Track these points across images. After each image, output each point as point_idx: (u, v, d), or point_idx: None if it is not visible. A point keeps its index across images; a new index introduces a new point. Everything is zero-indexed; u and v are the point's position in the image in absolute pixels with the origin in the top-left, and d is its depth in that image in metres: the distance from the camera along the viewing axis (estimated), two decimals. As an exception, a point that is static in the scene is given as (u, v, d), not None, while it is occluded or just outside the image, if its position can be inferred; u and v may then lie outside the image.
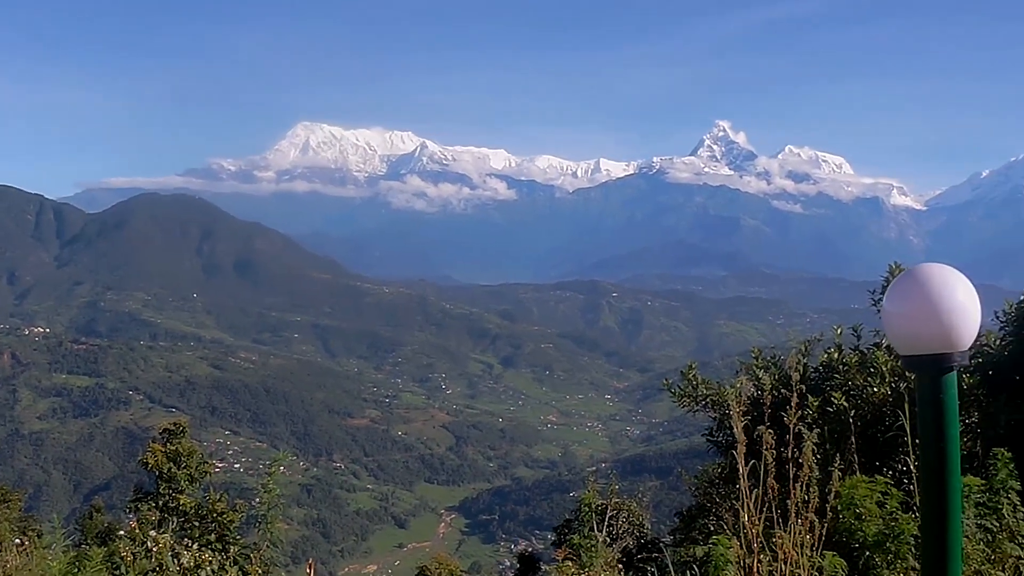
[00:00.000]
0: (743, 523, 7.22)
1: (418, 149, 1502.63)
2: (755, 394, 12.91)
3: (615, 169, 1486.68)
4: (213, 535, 21.42)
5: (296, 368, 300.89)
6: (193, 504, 22.84)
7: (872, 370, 14.28)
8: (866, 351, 14.95)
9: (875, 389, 14.06)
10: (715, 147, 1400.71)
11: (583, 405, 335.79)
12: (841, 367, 14.79)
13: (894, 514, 8.59)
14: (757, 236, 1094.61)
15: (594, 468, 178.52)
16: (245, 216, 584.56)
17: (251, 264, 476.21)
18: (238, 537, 21.49)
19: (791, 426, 7.14)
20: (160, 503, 22.85)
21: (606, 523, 19.13)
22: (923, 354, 4.81)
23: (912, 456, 7.97)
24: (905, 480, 10.72)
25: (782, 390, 12.72)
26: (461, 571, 35.65)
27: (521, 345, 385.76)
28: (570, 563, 11.05)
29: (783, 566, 7.08)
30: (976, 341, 13.73)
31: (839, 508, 8.86)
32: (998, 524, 9.00)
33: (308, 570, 13.70)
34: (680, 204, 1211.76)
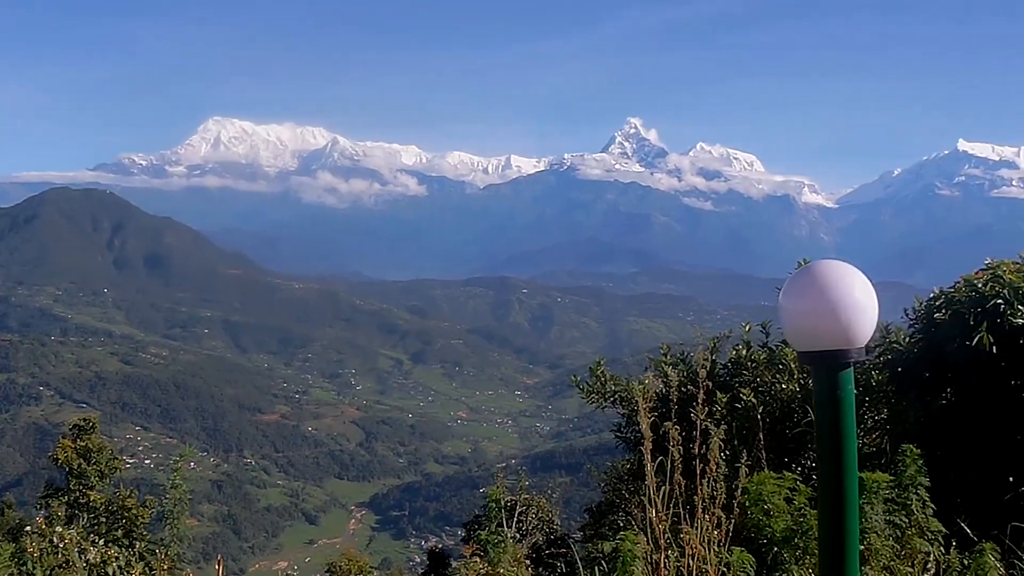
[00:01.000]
0: (650, 519, 7.20)
1: (329, 145, 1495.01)
2: (663, 391, 12.91)
3: (526, 166, 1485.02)
4: (120, 531, 21.29)
5: (206, 364, 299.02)
6: (103, 500, 22.69)
7: (780, 367, 14.36)
8: (775, 348, 15.02)
9: (783, 386, 14.14)
10: (626, 144, 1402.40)
11: (493, 401, 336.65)
12: (750, 364, 14.85)
13: (802, 510, 8.59)
14: (668, 233, 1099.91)
15: (504, 464, 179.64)
16: (156, 211, 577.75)
17: (162, 259, 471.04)
18: (145, 533, 21.36)
19: (698, 422, 7.13)
20: (71, 499, 22.68)
21: (515, 519, 19.11)
22: (820, 350, 4.78)
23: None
24: (814, 476, 10.77)
25: (689, 387, 12.75)
26: (371, 567, 35.45)
27: (431, 341, 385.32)
28: (477, 559, 10.96)
29: (691, 562, 7.08)
30: (885, 339, 13.87)
31: (747, 504, 8.87)
32: (907, 520, 9.03)
33: (217, 566, 13.51)
34: (591, 201, 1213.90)
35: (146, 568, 14.09)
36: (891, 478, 9.18)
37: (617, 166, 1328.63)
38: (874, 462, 12.45)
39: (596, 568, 10.03)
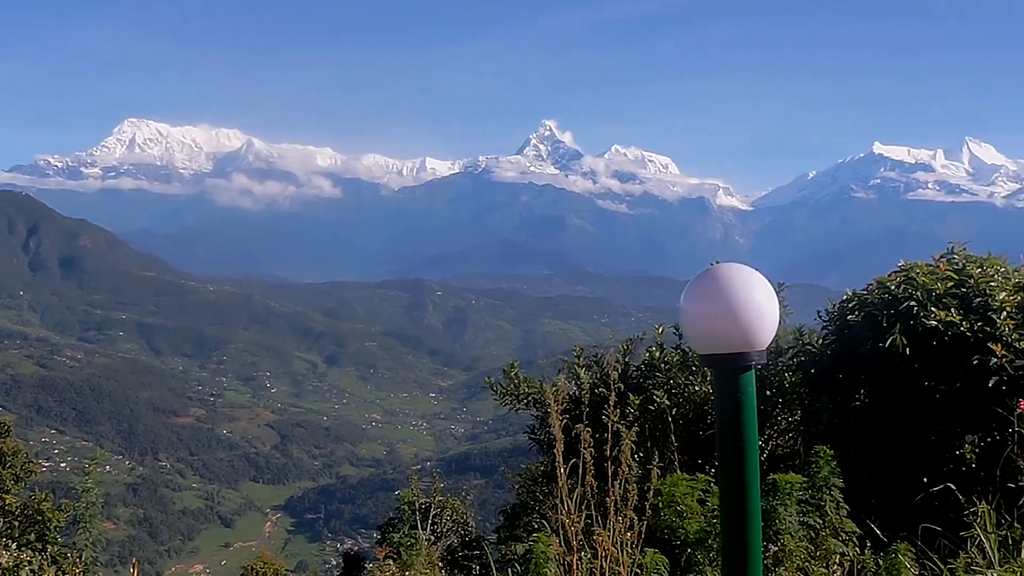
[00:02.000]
0: (563, 521, 7.20)
1: (244, 147, 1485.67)
2: (575, 393, 12.93)
3: (440, 168, 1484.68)
4: (33, 535, 21.10)
5: (121, 366, 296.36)
6: (19, 504, 22.44)
7: (694, 368, 14.42)
8: (688, 350, 15.08)
9: (697, 387, 14.20)
10: (541, 146, 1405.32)
11: (407, 403, 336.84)
12: (663, 366, 14.90)
13: (716, 511, 8.64)
14: (582, 235, 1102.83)
15: (419, 466, 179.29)
16: (71, 213, 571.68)
17: (77, 261, 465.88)
18: (58, 537, 21.19)
19: (610, 424, 7.13)
20: (-14, 503, 22.42)
21: (430, 521, 19.11)
22: (721, 353, 4.75)
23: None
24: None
25: (601, 388, 12.78)
26: (287, 570, 35.28)
27: (345, 343, 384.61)
28: (391, 562, 10.93)
29: (603, 563, 7.07)
30: (799, 340, 14.00)
31: (660, 506, 8.90)
32: (821, 521, 9.10)
33: (132, 570, 13.43)
34: (505, 203, 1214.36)
35: (59, 572, 13.98)
36: (805, 479, 9.24)
37: (532, 168, 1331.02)
38: (788, 463, 12.56)
39: (510, 570, 10.06)
